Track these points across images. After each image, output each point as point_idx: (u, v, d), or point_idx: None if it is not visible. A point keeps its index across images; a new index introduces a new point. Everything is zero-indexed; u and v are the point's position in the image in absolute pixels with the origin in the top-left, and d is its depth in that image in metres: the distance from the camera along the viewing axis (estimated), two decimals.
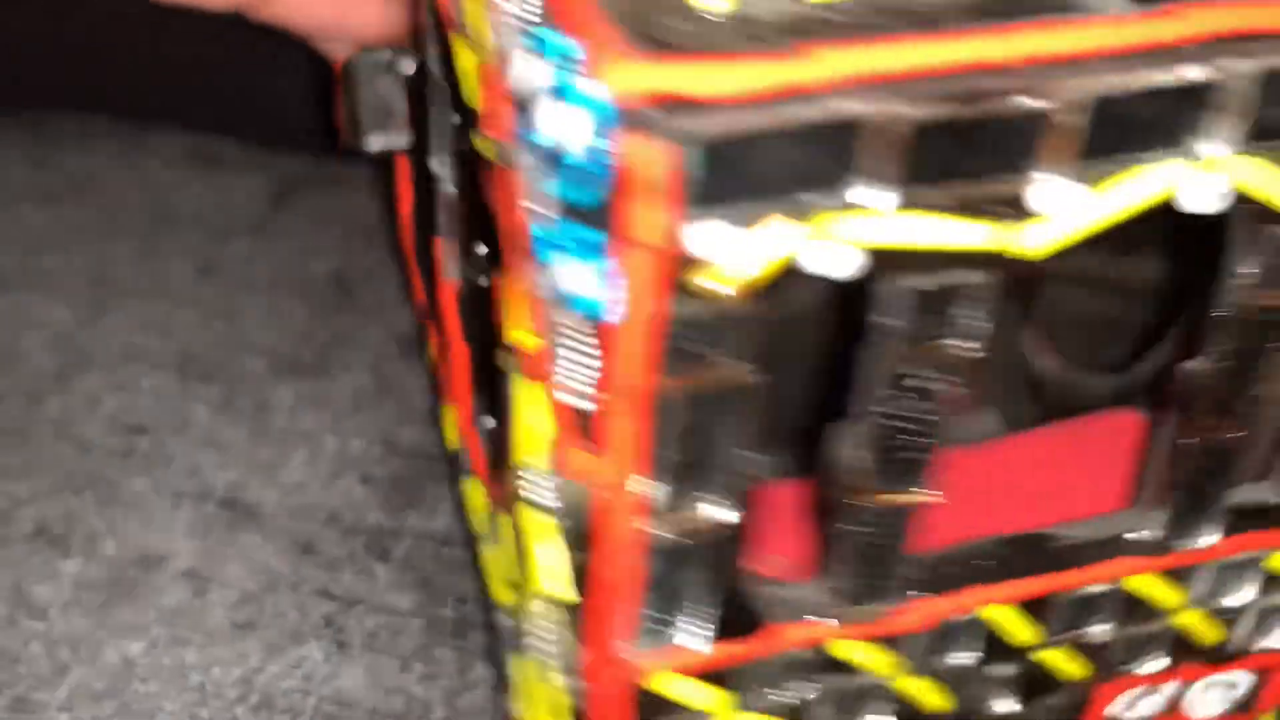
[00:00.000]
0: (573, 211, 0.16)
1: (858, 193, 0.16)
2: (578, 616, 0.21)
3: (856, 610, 0.22)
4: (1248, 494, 0.24)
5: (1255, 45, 0.17)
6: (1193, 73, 0.17)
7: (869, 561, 0.21)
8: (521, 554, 0.22)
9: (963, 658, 0.24)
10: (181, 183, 0.48)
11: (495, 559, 0.26)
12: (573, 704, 0.22)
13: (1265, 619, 0.27)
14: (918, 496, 0.21)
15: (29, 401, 0.39)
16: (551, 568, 0.20)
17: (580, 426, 0.18)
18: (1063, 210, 0.18)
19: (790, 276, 0.17)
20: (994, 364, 0.26)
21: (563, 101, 0.15)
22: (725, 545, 0.20)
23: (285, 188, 0.48)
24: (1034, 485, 0.25)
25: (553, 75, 0.15)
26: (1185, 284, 0.26)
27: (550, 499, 0.19)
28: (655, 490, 0.19)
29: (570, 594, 0.20)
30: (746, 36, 0.16)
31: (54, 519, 0.35)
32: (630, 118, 0.15)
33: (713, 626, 0.21)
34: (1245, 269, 0.20)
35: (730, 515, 0.19)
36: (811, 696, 0.23)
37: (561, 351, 0.18)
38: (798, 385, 0.27)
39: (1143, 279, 0.30)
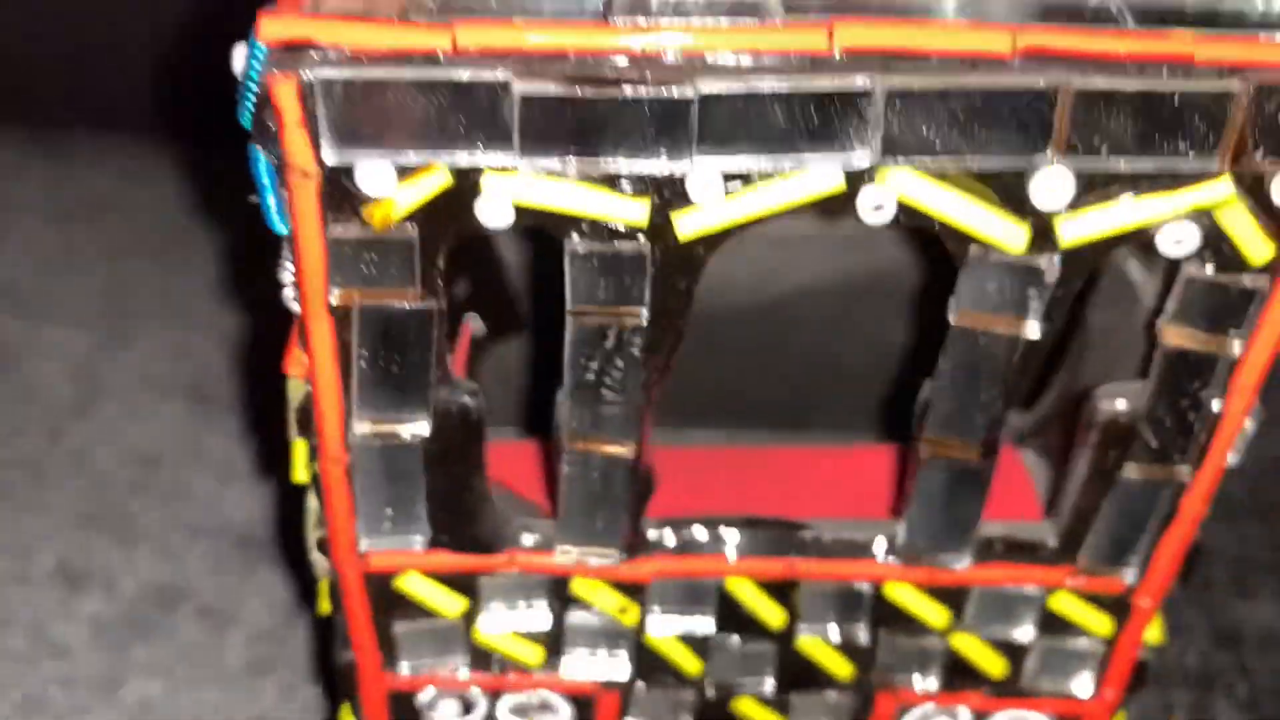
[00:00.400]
0: (255, 139, 0.19)
1: (491, 154, 0.19)
2: (321, 515, 0.24)
3: (588, 550, 0.24)
4: (996, 528, 0.24)
5: (898, 63, 0.18)
6: (838, 83, 0.18)
7: (594, 507, 0.23)
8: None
9: (703, 624, 0.25)
10: (197, 204, 0.51)
11: None
12: (331, 594, 0.25)
13: (1056, 661, 0.26)
14: (623, 449, 0.22)
15: (49, 435, 0.41)
16: (300, 465, 0.24)
17: (300, 334, 0.21)
18: (713, 200, 0.19)
19: (460, 225, 0.20)
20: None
21: (248, 50, 0.19)
22: (430, 454, 0.22)
23: None
24: (795, 490, 0.26)
25: (250, 39, 0.19)
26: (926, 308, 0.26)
27: (291, 404, 0.23)
28: (352, 397, 0.21)
29: (311, 488, 0.23)
30: (402, 10, 0.18)
31: (73, 556, 0.37)
32: (274, 58, 0.18)
33: (427, 534, 0.23)
34: (963, 288, 0.21)
35: (420, 429, 0.22)
36: (549, 628, 0.25)
37: (282, 264, 0.21)
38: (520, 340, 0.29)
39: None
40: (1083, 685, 0.27)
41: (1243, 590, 0.40)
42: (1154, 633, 0.26)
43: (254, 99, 0.18)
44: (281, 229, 0.20)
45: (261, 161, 0.19)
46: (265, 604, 0.36)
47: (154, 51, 0.53)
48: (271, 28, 0.18)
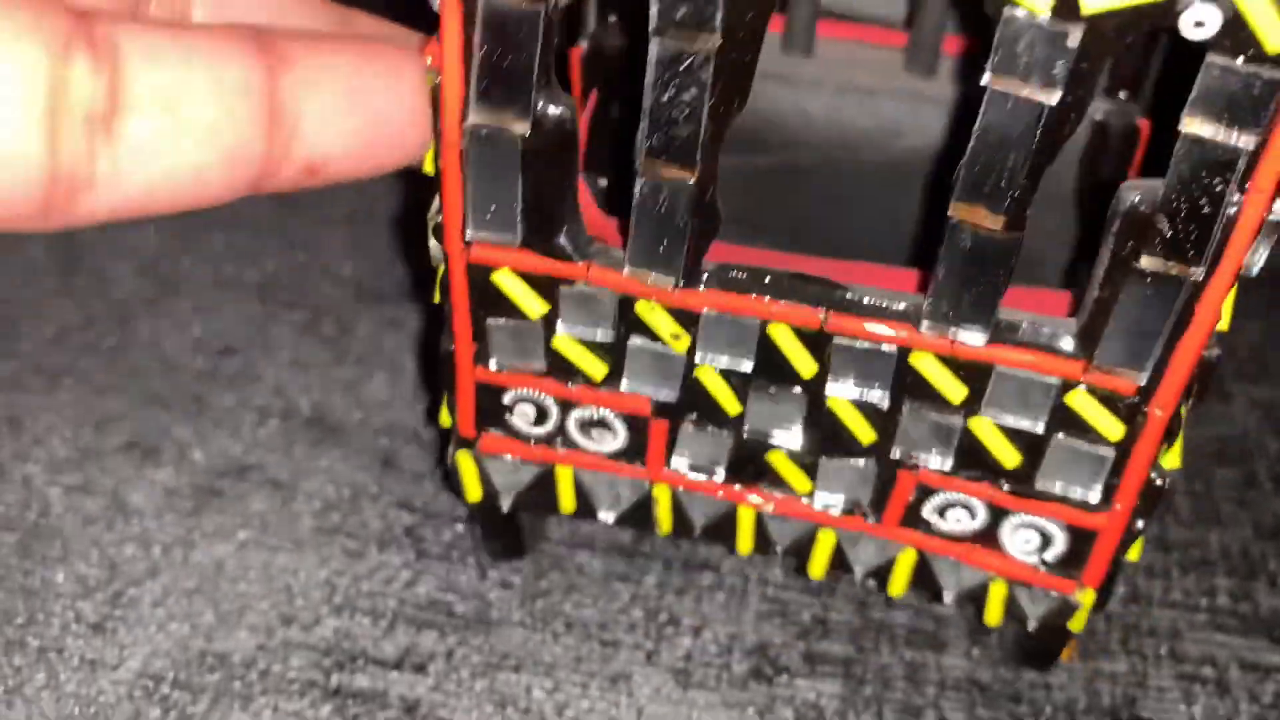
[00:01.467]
0: None
1: None
2: (440, 202, 0.28)
3: (649, 273, 0.28)
4: (1016, 314, 0.26)
5: None
6: None
7: (660, 230, 0.27)
8: None
9: (740, 363, 0.28)
10: None
11: None
12: (441, 282, 0.30)
13: (1069, 463, 0.28)
14: (689, 173, 0.26)
15: (121, 324, 0.45)
16: (431, 154, 0.28)
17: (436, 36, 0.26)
18: None
19: None
20: None
21: None
22: (529, 156, 0.26)
23: None
24: (846, 274, 0.29)
25: None
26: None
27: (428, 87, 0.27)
28: (470, 92, 0.26)
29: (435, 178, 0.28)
30: None
31: (146, 432, 0.41)
32: None
33: (520, 230, 0.27)
34: (996, 51, 0.23)
35: (522, 128, 0.26)
36: (612, 343, 0.29)
37: None
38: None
39: None
40: (1094, 493, 0.28)
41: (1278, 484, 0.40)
42: (1170, 458, 0.28)
43: None
44: None
45: None
46: (332, 480, 0.40)
47: None
48: None
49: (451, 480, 0.33)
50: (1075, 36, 0.22)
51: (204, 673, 0.34)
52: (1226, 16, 0.22)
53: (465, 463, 0.32)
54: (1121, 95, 0.35)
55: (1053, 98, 0.23)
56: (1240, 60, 0.22)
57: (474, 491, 0.33)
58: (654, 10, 0.24)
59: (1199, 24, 0.22)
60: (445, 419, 0.32)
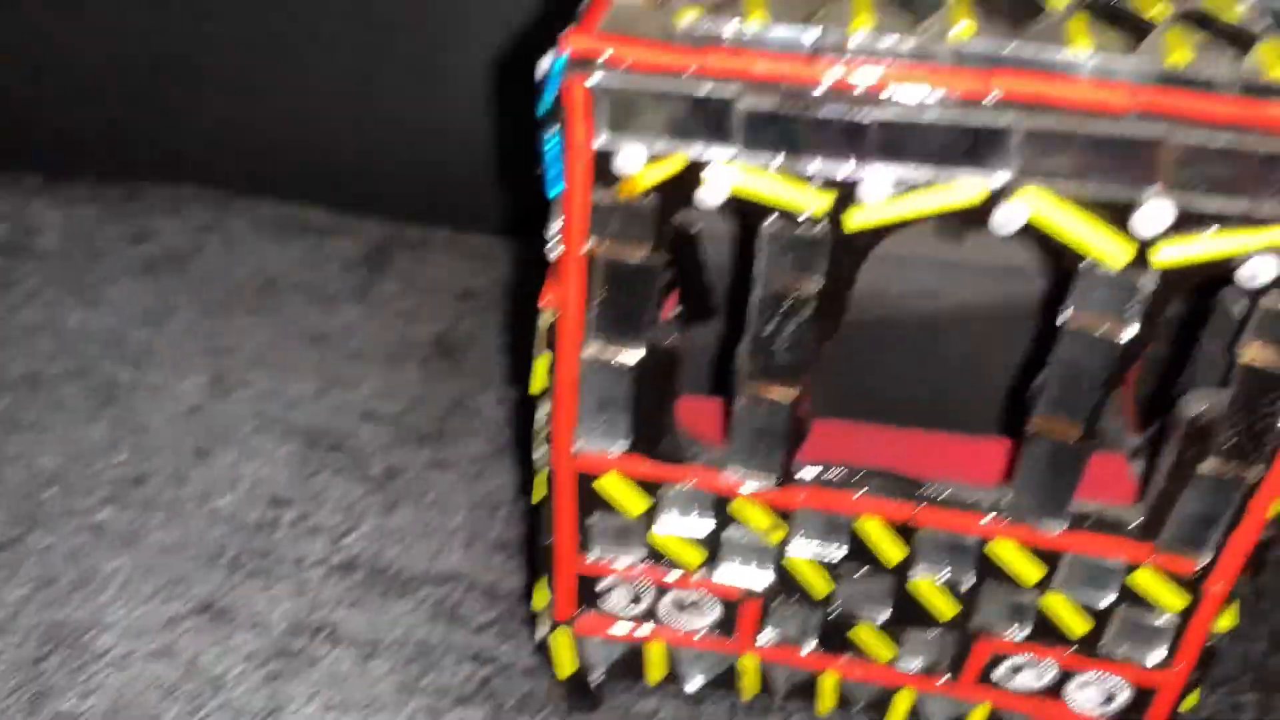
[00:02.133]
0: (547, 123, 0.26)
1: (717, 150, 0.25)
2: (549, 418, 0.31)
3: (748, 474, 0.30)
4: (1087, 505, 0.29)
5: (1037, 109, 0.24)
6: (990, 119, 0.24)
7: (759, 439, 0.29)
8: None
9: (836, 552, 0.31)
10: (277, 251, 0.58)
11: None
12: (547, 483, 0.32)
13: (1134, 631, 0.31)
14: (791, 392, 0.28)
15: (174, 479, 0.47)
16: (540, 377, 0.30)
17: (553, 274, 0.28)
18: (877, 202, 0.25)
19: (686, 204, 0.26)
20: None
21: (553, 58, 0.25)
22: (638, 378, 0.29)
23: (377, 253, 0.58)
24: (924, 454, 0.31)
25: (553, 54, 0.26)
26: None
27: (541, 328, 0.29)
28: (589, 328, 0.28)
29: (545, 396, 0.30)
30: (666, 33, 0.25)
31: (217, 593, 0.43)
32: (570, 63, 0.25)
33: (628, 440, 0.30)
34: (1074, 295, 0.26)
35: (635, 357, 0.28)
36: (709, 537, 0.31)
37: (550, 223, 0.28)
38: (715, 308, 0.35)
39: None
40: (1156, 656, 0.31)
41: None
42: (1225, 620, 0.31)
43: (553, 95, 0.25)
44: (555, 191, 0.26)
45: (551, 140, 0.26)
46: (402, 635, 0.42)
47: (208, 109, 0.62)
48: (575, 42, 0.25)
49: (544, 654, 0.35)
50: (1148, 286, 0.25)
51: None
52: (1278, 269, 0.25)
53: (560, 641, 0.34)
54: None
55: (1128, 335, 0.26)
56: None
57: (566, 668, 0.35)
58: (761, 254, 0.26)
59: (1254, 276, 0.25)
60: (539, 602, 0.34)
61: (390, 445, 0.50)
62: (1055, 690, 0.33)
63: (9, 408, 0.52)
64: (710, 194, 0.26)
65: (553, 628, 0.34)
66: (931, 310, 0.40)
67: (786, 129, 0.24)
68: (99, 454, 0.49)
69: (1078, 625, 0.31)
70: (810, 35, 0.25)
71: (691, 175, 0.26)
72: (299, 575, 0.44)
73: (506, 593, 0.43)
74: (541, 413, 0.31)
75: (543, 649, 0.35)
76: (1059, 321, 0.26)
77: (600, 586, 0.33)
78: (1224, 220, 0.24)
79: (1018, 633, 0.31)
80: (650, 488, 0.31)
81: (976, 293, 0.38)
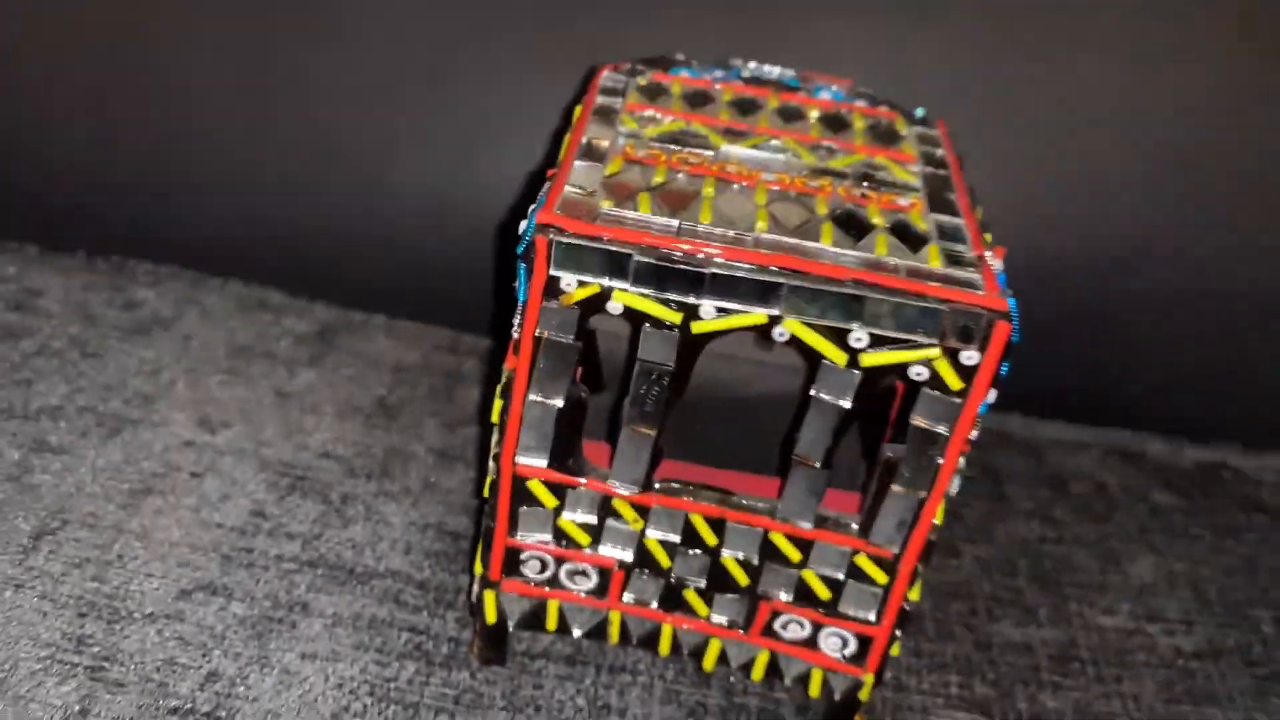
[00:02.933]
0: (522, 260, 0.44)
1: (619, 283, 0.43)
2: (501, 439, 0.48)
3: (623, 484, 0.47)
4: (827, 512, 0.47)
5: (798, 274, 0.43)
6: (770, 279, 0.43)
7: (631, 461, 0.47)
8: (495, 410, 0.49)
9: (673, 536, 0.48)
10: (245, 323, 0.77)
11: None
12: (494, 484, 0.49)
13: (858, 597, 0.49)
14: (652, 432, 0.46)
15: (191, 481, 0.64)
16: (497, 412, 0.47)
17: (513, 348, 0.46)
18: (713, 318, 0.44)
19: (599, 311, 0.44)
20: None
21: (528, 222, 0.43)
22: (559, 418, 0.46)
23: (324, 330, 0.77)
24: (733, 481, 0.50)
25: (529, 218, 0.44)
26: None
27: (502, 381, 0.47)
28: (532, 380, 0.45)
29: (499, 422, 0.47)
30: (592, 212, 0.43)
31: (215, 577, 0.56)
32: (538, 227, 0.43)
33: (549, 458, 0.47)
34: (818, 379, 0.45)
35: (559, 403, 0.46)
36: (595, 524, 0.49)
37: (514, 320, 0.45)
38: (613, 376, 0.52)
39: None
40: (871, 615, 0.49)
41: (994, 618, 0.63)
42: (914, 593, 0.49)
43: (526, 243, 0.43)
44: (521, 299, 0.44)
45: (522, 270, 0.44)
46: (358, 613, 0.59)
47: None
48: (542, 217, 0.43)
49: (475, 609, 0.52)
50: (858, 376, 0.44)
51: None
52: (931, 373, 0.44)
53: (489, 598, 0.51)
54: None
55: (845, 403, 0.45)
56: (939, 392, 0.44)
57: (492, 616, 0.51)
58: (641, 346, 0.45)
59: (919, 374, 0.44)
60: (478, 568, 0.51)
61: (344, 478, 0.66)
62: (812, 640, 0.50)
63: (39, 432, 0.66)
64: (614, 306, 0.44)
65: (485, 586, 0.51)
66: (747, 392, 0.58)
67: (658, 273, 0.43)
68: (115, 471, 0.64)
69: (823, 592, 0.49)
70: (674, 222, 0.44)
71: (603, 295, 0.44)
72: (279, 566, 0.60)
73: (435, 586, 0.60)
74: (495, 437, 0.48)
75: (476, 605, 0.52)
76: (811, 394, 0.45)
77: (522, 558, 0.50)
78: (897, 343, 0.43)
79: (786, 596, 0.49)
80: (560, 490, 0.48)
81: (774, 383, 0.57)
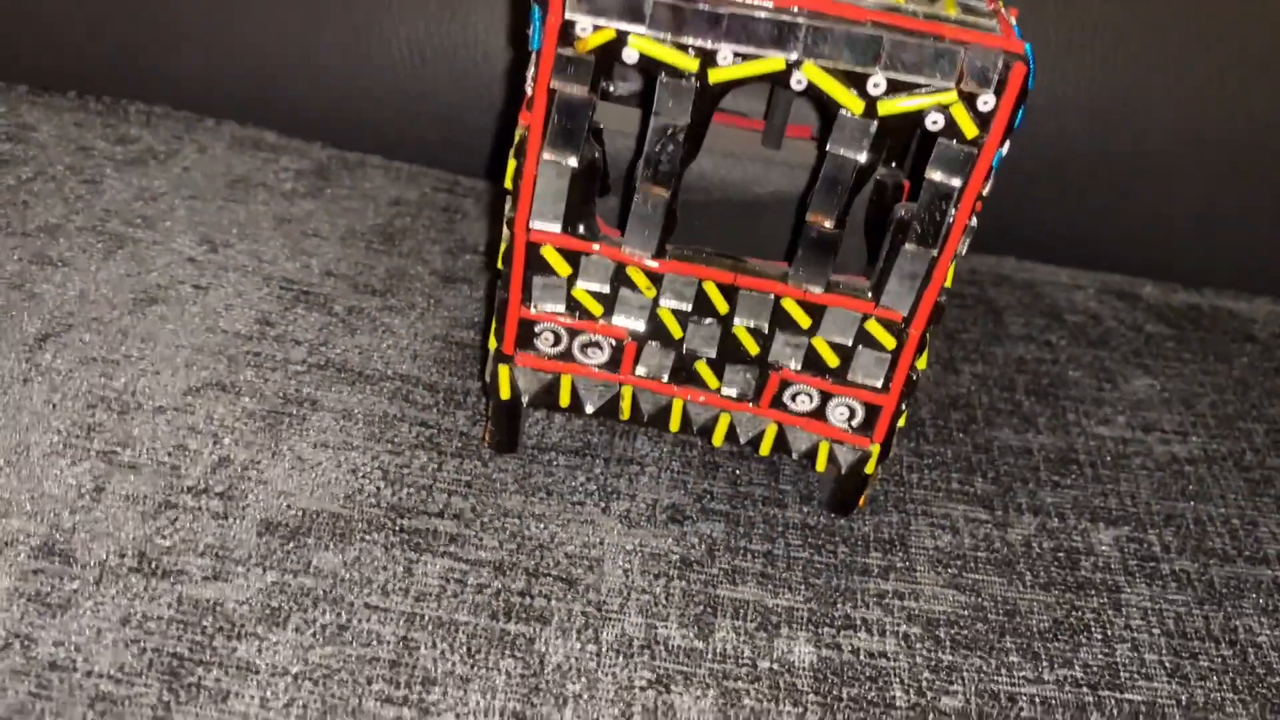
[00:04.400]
0: (535, 2, 0.43)
1: (635, 26, 0.43)
2: (515, 203, 0.48)
3: (636, 250, 0.48)
4: (838, 277, 0.48)
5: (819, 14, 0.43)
6: (790, 19, 0.43)
7: (644, 226, 0.47)
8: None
9: (684, 305, 0.49)
10: (242, 159, 0.76)
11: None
12: (508, 252, 0.49)
13: (866, 364, 0.50)
14: (666, 192, 0.46)
15: (195, 292, 0.65)
16: (511, 176, 0.47)
17: (526, 104, 0.45)
18: (730, 64, 0.43)
19: (616, 60, 0.44)
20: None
21: None
22: (573, 179, 0.46)
23: (321, 167, 0.77)
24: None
25: None
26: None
27: (516, 140, 0.47)
28: (546, 137, 0.45)
29: (513, 186, 0.47)
30: None
31: (223, 376, 0.58)
32: None
33: (562, 221, 0.47)
34: (833, 133, 0.45)
35: (574, 162, 0.46)
36: (608, 293, 0.49)
37: (528, 72, 0.45)
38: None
39: None
40: (879, 382, 0.50)
41: (993, 425, 0.64)
42: (921, 362, 0.50)
43: None
44: (535, 46, 0.44)
45: (536, 13, 0.43)
46: (369, 408, 0.60)
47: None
48: None
49: (489, 386, 0.52)
50: (874, 126, 0.44)
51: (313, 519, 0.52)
52: (947, 120, 0.44)
53: (503, 372, 0.51)
54: (893, 165, 0.57)
55: (863, 158, 0.45)
56: (954, 141, 0.44)
57: (505, 392, 0.52)
58: (656, 101, 0.44)
59: (934, 123, 0.44)
60: (492, 343, 0.51)
61: (349, 294, 0.66)
62: (820, 411, 0.51)
63: (38, 248, 0.66)
64: (629, 54, 0.44)
65: (500, 361, 0.51)
66: (756, 191, 0.58)
67: (676, 16, 0.43)
68: (118, 283, 0.64)
69: (832, 359, 0.50)
70: None
71: (619, 41, 0.43)
72: (286, 368, 0.60)
73: (444, 389, 0.60)
74: (509, 202, 0.48)
75: (490, 384, 0.52)
76: (825, 149, 0.45)
77: (534, 330, 0.50)
78: (915, 88, 0.43)
79: (795, 365, 0.50)
80: (573, 257, 0.48)
81: (782, 181, 0.57)
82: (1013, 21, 0.45)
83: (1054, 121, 0.81)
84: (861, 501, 0.55)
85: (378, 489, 0.54)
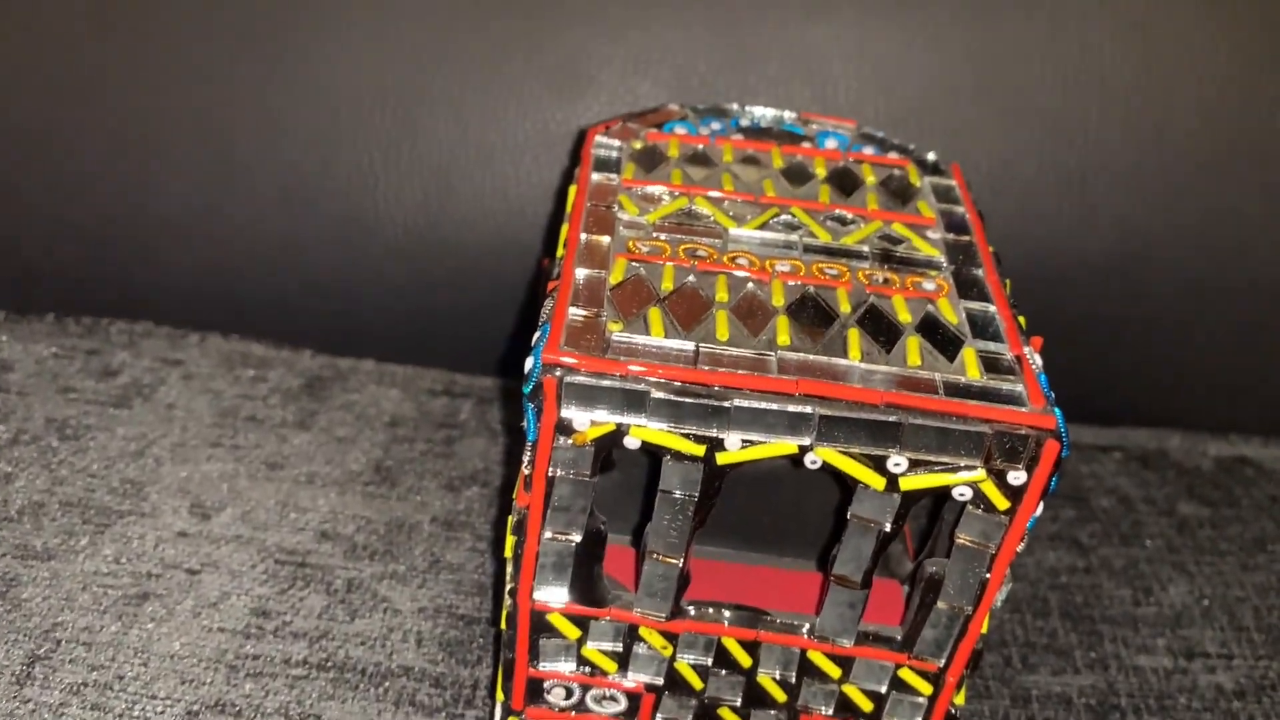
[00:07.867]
0: (529, 400, 0.40)
1: (636, 419, 0.40)
2: (517, 575, 0.45)
3: (649, 613, 0.45)
4: (868, 627, 0.45)
5: (827, 401, 0.39)
6: (798, 408, 0.39)
7: (656, 588, 0.44)
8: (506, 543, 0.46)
9: (704, 660, 0.46)
10: (229, 381, 0.73)
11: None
12: (509, 617, 0.46)
13: (901, 709, 0.47)
14: (678, 560, 0.43)
15: (188, 579, 0.61)
16: (511, 548, 0.44)
17: (524, 486, 0.42)
18: (738, 449, 0.40)
19: (616, 447, 0.41)
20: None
21: (532, 360, 0.40)
22: (576, 553, 0.43)
23: (312, 382, 0.73)
24: (766, 585, 0.47)
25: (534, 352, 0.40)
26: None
27: (513, 517, 0.44)
28: (546, 518, 0.42)
29: (514, 559, 0.44)
30: (604, 346, 0.40)
31: (223, 694, 0.55)
32: (545, 367, 0.39)
33: (569, 591, 0.44)
34: (854, 502, 0.42)
35: (577, 537, 0.43)
36: (621, 651, 0.46)
37: (525, 455, 0.42)
38: (631, 502, 0.49)
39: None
40: None
41: (1029, 667, 0.61)
42: (959, 698, 0.47)
43: (534, 383, 0.40)
44: (531, 438, 0.41)
45: (530, 409, 0.40)
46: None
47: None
48: (547, 354, 0.39)
49: None
50: (897, 498, 0.41)
51: None
52: (976, 493, 0.41)
53: None
54: None
55: (886, 527, 0.42)
56: (982, 510, 0.41)
57: None
58: (663, 479, 0.41)
59: (962, 494, 0.41)
60: (501, 696, 0.48)
61: (347, 561, 0.63)
62: None
63: (23, 537, 0.63)
64: (631, 442, 0.41)
65: (508, 714, 0.48)
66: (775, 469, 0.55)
67: (677, 409, 0.40)
68: (107, 577, 0.61)
69: (865, 705, 0.47)
70: (690, 345, 0.40)
71: (619, 432, 0.40)
72: (286, 674, 0.57)
73: (451, 682, 0.57)
74: (509, 570, 0.45)
75: None
76: (848, 515, 0.42)
77: (545, 686, 0.47)
78: (938, 465, 0.40)
79: (826, 710, 0.47)
80: (582, 621, 0.45)
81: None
82: (1037, 364, 0.42)
83: (1066, 274, 0.78)
84: None
85: None
